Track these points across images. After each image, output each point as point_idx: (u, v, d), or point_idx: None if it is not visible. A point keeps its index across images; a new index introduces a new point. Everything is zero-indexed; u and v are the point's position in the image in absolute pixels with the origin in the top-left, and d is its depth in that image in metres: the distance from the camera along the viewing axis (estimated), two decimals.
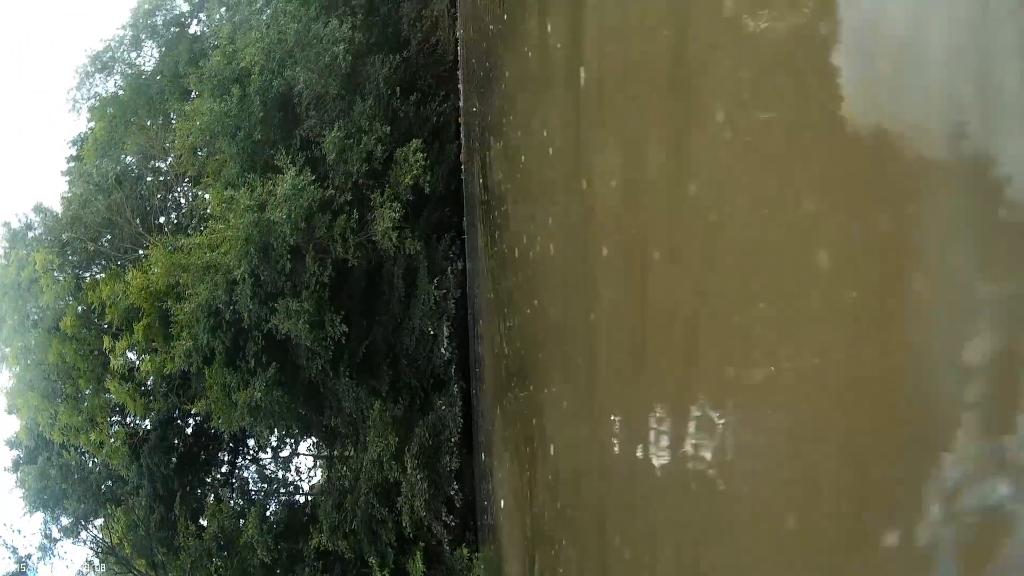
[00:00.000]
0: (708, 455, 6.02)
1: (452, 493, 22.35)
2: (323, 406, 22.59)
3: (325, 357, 21.57)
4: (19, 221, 27.06)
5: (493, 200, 19.07)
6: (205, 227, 22.90)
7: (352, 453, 22.95)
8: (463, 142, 22.37)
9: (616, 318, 9.00)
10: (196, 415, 24.20)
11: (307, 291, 21.33)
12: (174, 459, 24.23)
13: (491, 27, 19.19)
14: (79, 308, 25.44)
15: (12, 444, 28.44)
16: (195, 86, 22.84)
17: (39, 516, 27.05)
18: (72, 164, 26.36)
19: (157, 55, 24.84)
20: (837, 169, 4.01)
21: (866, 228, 3.79)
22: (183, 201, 25.30)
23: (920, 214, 3.45)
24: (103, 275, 25.14)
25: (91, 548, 27.35)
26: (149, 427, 24.99)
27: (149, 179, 24.56)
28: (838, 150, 4.00)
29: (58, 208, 26.15)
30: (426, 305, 21.07)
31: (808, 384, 4.38)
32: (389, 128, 20.89)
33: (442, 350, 21.34)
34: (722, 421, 5.66)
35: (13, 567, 26.58)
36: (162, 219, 24.73)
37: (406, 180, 20.70)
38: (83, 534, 27.10)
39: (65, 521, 26.75)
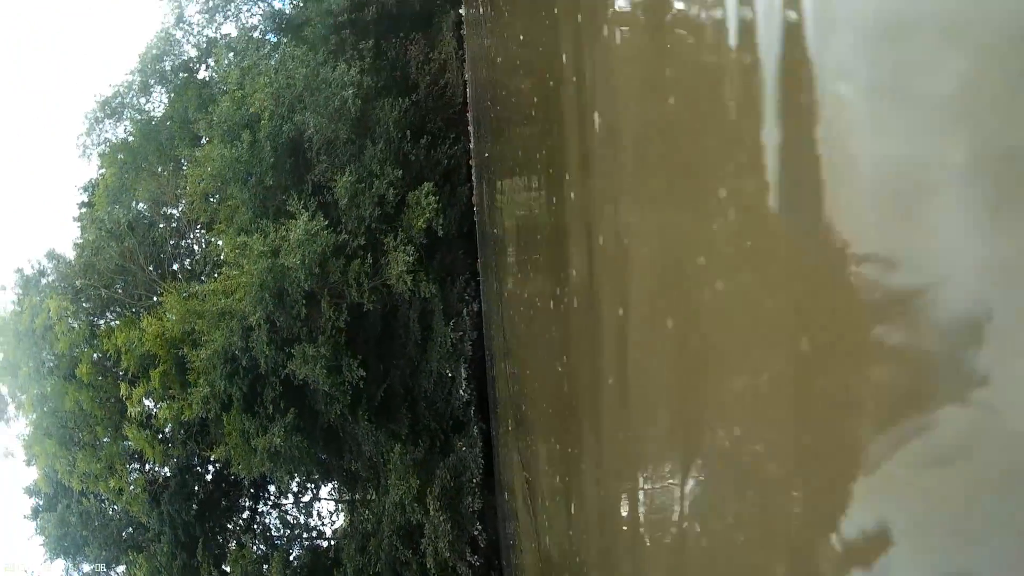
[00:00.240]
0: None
1: (476, 533, 22.25)
2: (343, 450, 22.50)
3: (343, 402, 21.49)
4: (32, 268, 27.05)
5: (500, 246, 18.99)
6: (219, 273, 22.87)
7: (374, 496, 22.85)
8: (475, 184, 22.30)
9: (622, 376, 8.85)
10: (216, 461, 24.14)
11: (323, 336, 21.26)
12: (195, 505, 24.14)
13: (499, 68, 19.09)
14: (94, 355, 25.42)
15: (31, 492, 28.42)
16: (205, 132, 22.85)
17: (60, 563, 27.03)
18: (84, 210, 26.35)
19: (166, 100, 24.84)
20: None
21: None
22: (196, 247, 25.27)
23: None
24: (118, 322, 25.11)
25: None
26: (169, 474, 24.90)
27: (161, 225, 24.53)
28: None
29: (71, 254, 26.13)
30: (443, 348, 20.98)
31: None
32: (401, 172, 20.85)
33: (460, 392, 21.26)
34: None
35: None
36: (175, 266, 24.70)
37: (419, 223, 20.64)
38: None
39: (87, 568, 26.72)
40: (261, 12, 25.63)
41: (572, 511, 13.61)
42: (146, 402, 24.69)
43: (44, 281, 26.68)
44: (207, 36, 24.97)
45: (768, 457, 4.76)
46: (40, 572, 27.50)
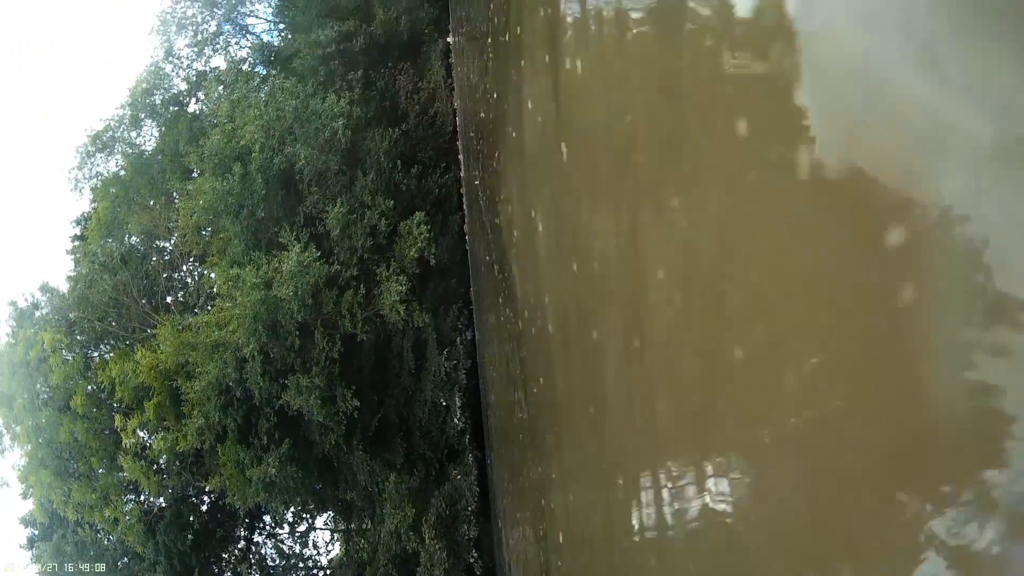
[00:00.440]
0: (726, 508, 5.96)
1: (472, 561, 22.29)
2: (338, 480, 22.53)
3: (338, 432, 21.54)
4: (26, 300, 27.13)
5: (493, 273, 19.11)
6: (212, 305, 22.96)
7: (369, 526, 22.88)
8: (466, 212, 22.44)
9: (622, 386, 8.99)
10: (211, 492, 24.12)
11: (317, 367, 21.33)
12: (190, 536, 24.14)
13: (482, 101, 19.30)
14: (89, 387, 25.44)
15: (27, 522, 28.38)
16: (196, 165, 22.95)
17: None
18: (76, 243, 26.43)
19: (157, 134, 24.95)
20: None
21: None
22: (189, 280, 25.34)
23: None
24: (112, 354, 25.15)
25: None
26: (164, 504, 24.90)
27: (154, 259, 24.60)
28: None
29: (64, 287, 26.20)
30: (437, 376, 21.08)
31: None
32: (392, 202, 20.99)
33: (455, 420, 21.35)
34: (736, 476, 5.66)
35: None
36: (169, 298, 24.75)
37: (411, 253, 20.78)
38: None
39: None
40: (250, 45, 25.83)
41: (561, 538, 13.71)
42: (140, 433, 24.73)
43: (38, 314, 26.73)
44: (196, 69, 25.13)
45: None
46: None
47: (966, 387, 2.93)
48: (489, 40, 16.69)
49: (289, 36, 25.31)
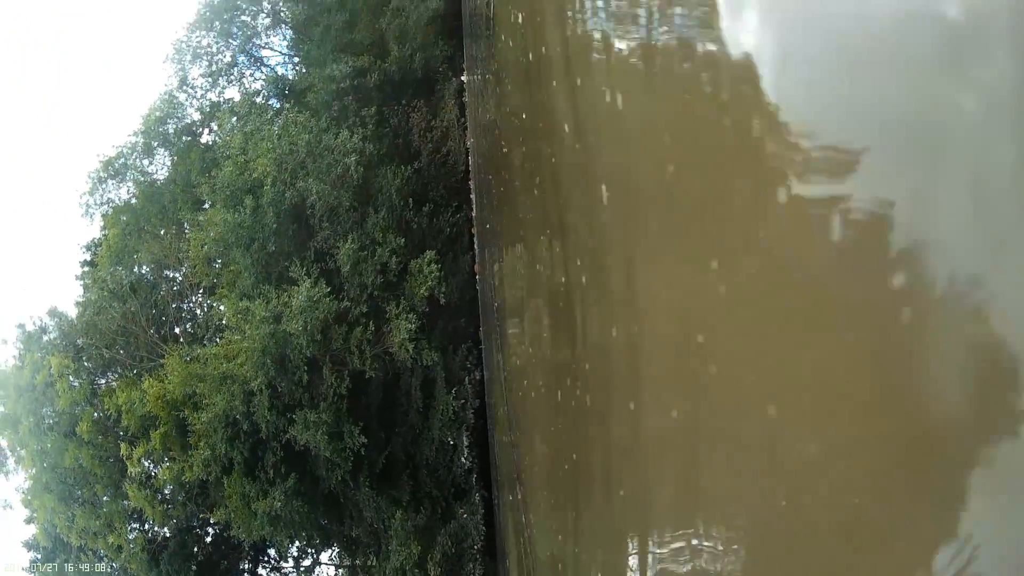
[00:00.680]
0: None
1: None
2: (344, 516, 22.47)
3: (345, 467, 21.48)
4: (34, 324, 27.09)
5: (499, 317, 19.08)
6: (221, 338, 22.94)
7: (375, 562, 22.81)
8: (477, 252, 22.43)
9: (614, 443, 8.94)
10: (216, 523, 24.06)
11: (325, 402, 21.30)
12: (194, 567, 24.08)
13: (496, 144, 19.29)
14: (95, 414, 25.41)
15: (29, 545, 28.30)
16: (208, 196, 22.99)
17: None
18: (86, 269, 26.45)
19: (169, 163, 25.01)
20: None
21: None
22: (198, 311, 25.34)
23: None
24: (118, 382, 25.13)
25: None
26: (168, 534, 24.82)
27: (164, 288, 24.60)
28: None
29: (72, 312, 26.18)
30: (445, 415, 21.04)
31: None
32: (403, 240, 21.00)
33: (462, 459, 21.31)
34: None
35: None
36: (177, 329, 24.74)
37: (421, 291, 20.77)
38: None
39: None
40: (264, 77, 25.91)
41: None
42: (146, 462, 24.69)
43: (45, 338, 26.69)
44: (210, 100, 25.23)
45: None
46: None
47: None
48: (504, 73, 16.62)
49: (303, 70, 25.39)
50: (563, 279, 12.01)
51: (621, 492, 9.10)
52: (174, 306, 24.53)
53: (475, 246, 22.75)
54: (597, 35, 8.78)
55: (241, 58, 25.65)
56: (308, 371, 21.31)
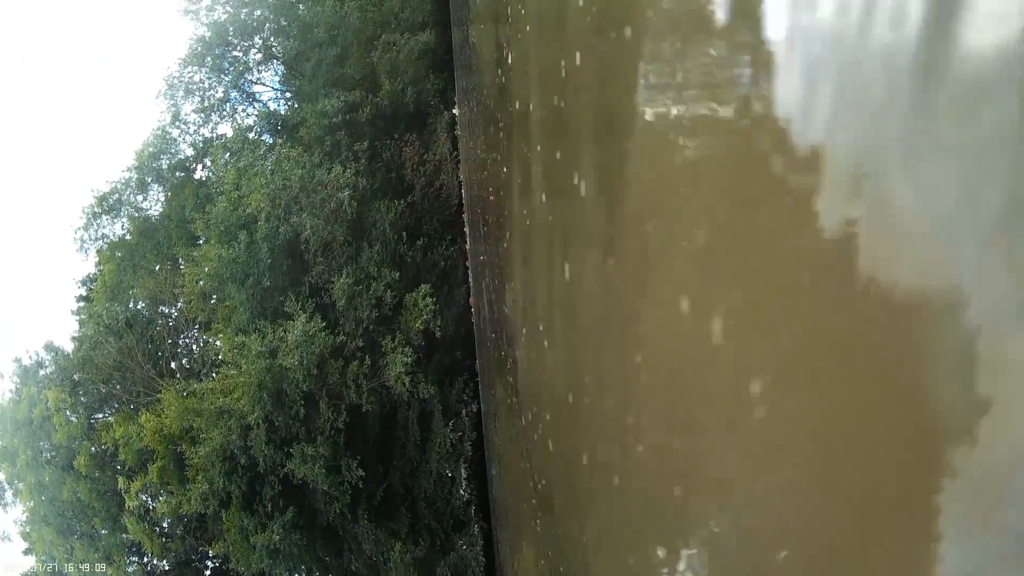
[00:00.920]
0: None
1: None
2: (343, 549, 22.58)
3: (343, 501, 21.61)
4: (30, 358, 27.21)
5: (494, 348, 19.18)
6: (217, 373, 23.07)
7: None
8: (472, 285, 22.61)
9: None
10: (214, 557, 24.13)
11: (322, 436, 21.43)
12: None
13: (492, 177, 19.43)
14: (92, 448, 25.50)
15: None
16: (202, 232, 23.12)
17: None
18: (82, 304, 26.55)
19: (163, 199, 25.14)
20: None
21: None
22: (194, 347, 25.45)
23: None
24: (115, 416, 25.23)
25: None
26: (167, 567, 24.92)
27: (159, 324, 24.72)
28: None
29: (69, 347, 26.28)
30: (442, 448, 21.19)
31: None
32: (398, 273, 21.17)
33: (461, 491, 21.44)
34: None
35: None
36: (173, 364, 24.86)
37: (416, 325, 20.93)
38: None
39: None
40: (256, 113, 26.08)
41: None
42: (143, 496, 24.76)
43: (42, 372, 26.82)
44: (203, 136, 25.37)
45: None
46: None
47: None
48: (498, 114, 16.78)
49: (295, 105, 25.58)
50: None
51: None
52: (170, 341, 24.64)
53: (470, 279, 22.94)
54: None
55: (233, 93, 25.84)
56: (305, 405, 21.44)
